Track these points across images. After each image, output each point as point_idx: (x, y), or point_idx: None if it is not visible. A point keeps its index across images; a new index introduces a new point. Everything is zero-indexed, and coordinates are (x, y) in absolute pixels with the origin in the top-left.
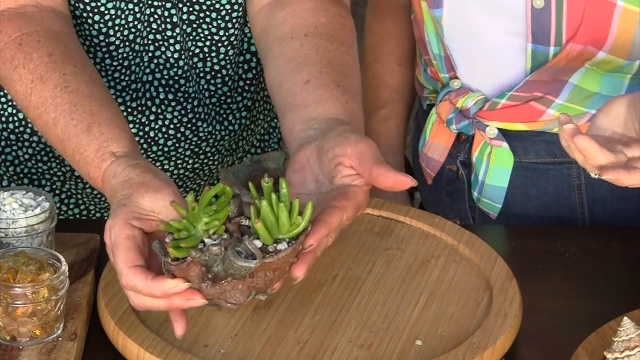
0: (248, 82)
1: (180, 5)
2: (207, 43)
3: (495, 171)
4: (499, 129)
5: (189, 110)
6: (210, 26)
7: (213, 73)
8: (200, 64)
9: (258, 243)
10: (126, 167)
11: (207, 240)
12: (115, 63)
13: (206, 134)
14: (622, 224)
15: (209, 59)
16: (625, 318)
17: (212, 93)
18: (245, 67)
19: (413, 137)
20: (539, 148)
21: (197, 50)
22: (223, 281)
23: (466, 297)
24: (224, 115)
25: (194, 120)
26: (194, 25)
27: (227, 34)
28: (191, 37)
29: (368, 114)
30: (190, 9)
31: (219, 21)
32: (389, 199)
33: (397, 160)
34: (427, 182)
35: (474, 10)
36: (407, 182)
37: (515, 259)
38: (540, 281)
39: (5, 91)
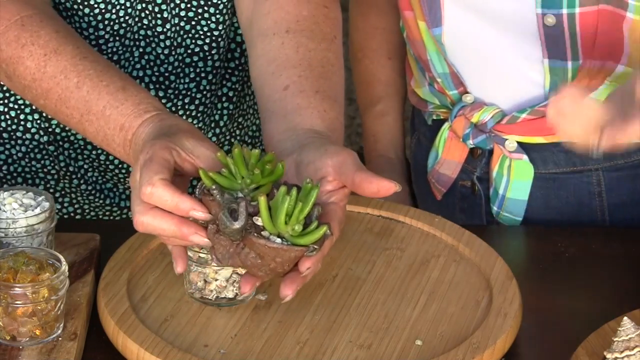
0: (230, 71)
1: (169, 0)
2: (199, 42)
3: (515, 184)
4: (517, 142)
5: (179, 107)
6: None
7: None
8: (188, 60)
9: (259, 222)
10: (175, 118)
11: (240, 193)
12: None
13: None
14: None
15: (201, 54)
16: (625, 318)
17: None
18: (229, 55)
19: (415, 151)
20: (558, 158)
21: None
22: (221, 234)
23: (466, 297)
24: (211, 107)
25: (184, 117)
26: (185, 20)
27: (218, 30)
28: (181, 34)
29: (363, 111)
30: (182, 4)
31: (212, 17)
32: (389, 199)
33: (399, 154)
34: (436, 198)
35: (480, 27)
36: (391, 187)
37: (515, 259)
38: (540, 281)
39: None
